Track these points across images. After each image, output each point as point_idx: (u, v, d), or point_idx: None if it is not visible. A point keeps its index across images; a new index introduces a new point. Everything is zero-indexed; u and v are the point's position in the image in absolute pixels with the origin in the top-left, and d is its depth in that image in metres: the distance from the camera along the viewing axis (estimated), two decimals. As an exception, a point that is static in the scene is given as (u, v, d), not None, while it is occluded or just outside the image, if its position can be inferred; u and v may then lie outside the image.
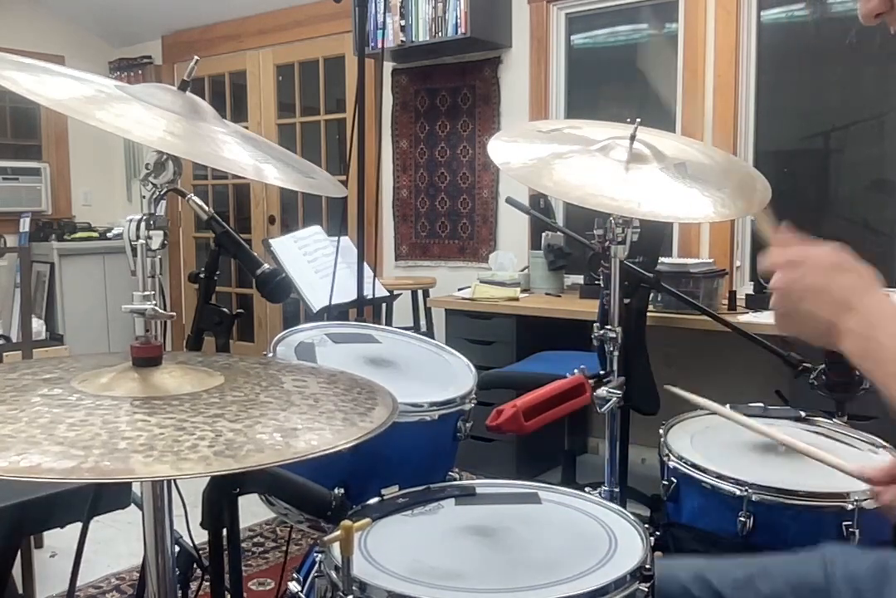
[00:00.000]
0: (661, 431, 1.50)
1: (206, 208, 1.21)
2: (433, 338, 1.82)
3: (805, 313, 0.86)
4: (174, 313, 0.97)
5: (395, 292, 3.15)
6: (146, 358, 0.90)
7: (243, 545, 2.73)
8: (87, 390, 0.84)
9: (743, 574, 1.07)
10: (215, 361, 1.01)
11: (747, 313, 2.96)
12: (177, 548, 1.24)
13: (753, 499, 1.27)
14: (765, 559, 1.10)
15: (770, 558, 1.10)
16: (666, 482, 1.41)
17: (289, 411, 0.84)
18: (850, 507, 1.25)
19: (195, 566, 1.33)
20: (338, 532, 0.90)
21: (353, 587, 0.94)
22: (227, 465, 0.69)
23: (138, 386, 0.86)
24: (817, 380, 1.60)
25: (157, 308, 0.93)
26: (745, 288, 3.28)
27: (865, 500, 1.25)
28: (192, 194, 1.21)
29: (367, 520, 0.97)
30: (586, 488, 1.35)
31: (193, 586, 1.39)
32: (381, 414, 0.86)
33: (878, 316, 0.82)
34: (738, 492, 1.28)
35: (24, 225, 5.29)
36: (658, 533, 1.28)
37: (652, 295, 2.92)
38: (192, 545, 1.32)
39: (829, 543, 1.10)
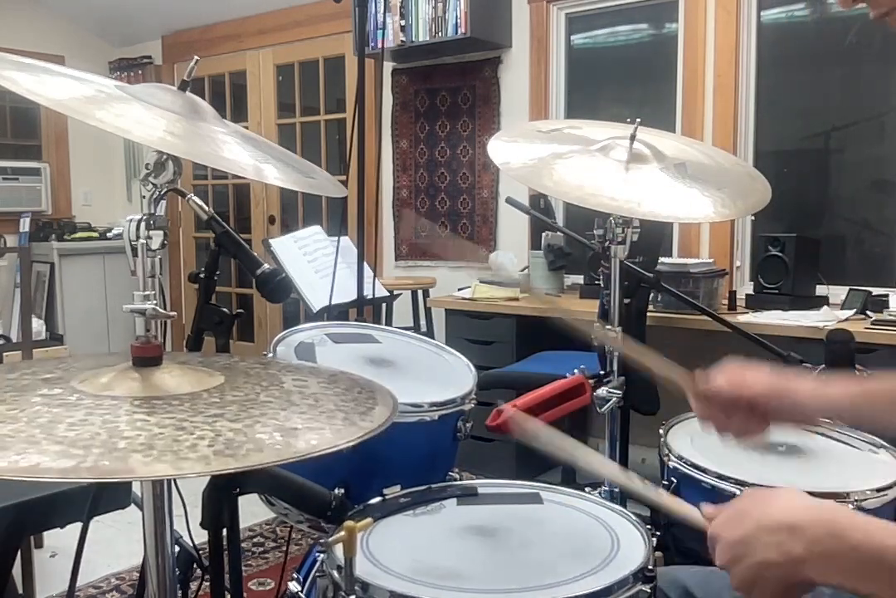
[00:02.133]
0: (661, 431, 1.50)
1: (206, 208, 1.21)
2: (433, 338, 1.83)
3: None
4: (174, 313, 0.97)
5: (395, 292, 3.15)
6: (146, 358, 0.90)
7: (243, 545, 2.73)
8: (86, 390, 0.84)
9: (730, 591, 1.05)
10: (216, 361, 1.01)
11: (747, 312, 2.96)
12: (177, 548, 1.24)
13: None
14: None
15: None
16: (666, 482, 1.41)
17: (289, 411, 0.84)
18: (850, 507, 1.25)
19: (195, 566, 1.33)
20: (341, 533, 0.90)
21: (356, 587, 0.94)
22: (226, 464, 0.69)
23: (138, 386, 0.86)
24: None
25: (157, 308, 0.93)
26: (745, 288, 3.28)
27: (866, 500, 1.25)
28: (192, 194, 1.21)
29: (370, 520, 0.97)
30: (586, 489, 1.35)
31: (193, 586, 1.39)
32: (381, 414, 0.86)
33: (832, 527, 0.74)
34: (738, 492, 1.28)
35: (24, 225, 5.29)
36: (658, 533, 1.28)
37: (652, 295, 2.92)
38: (192, 545, 1.32)
39: None
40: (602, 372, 1.62)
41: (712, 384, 1.12)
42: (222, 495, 1.08)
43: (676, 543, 1.37)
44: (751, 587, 0.77)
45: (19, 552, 2.02)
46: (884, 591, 0.71)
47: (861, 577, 0.72)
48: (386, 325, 2.54)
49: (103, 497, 1.69)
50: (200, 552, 1.28)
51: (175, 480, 1.08)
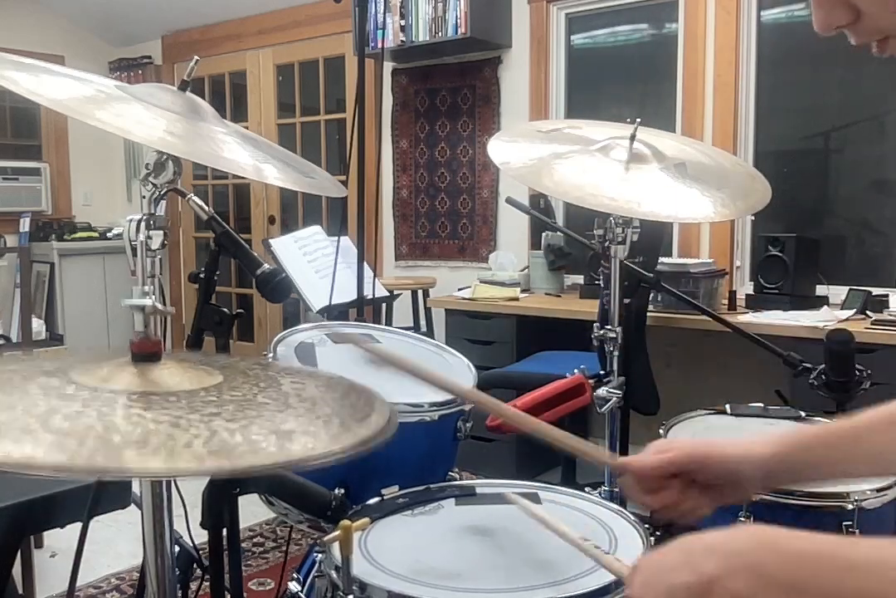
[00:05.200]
0: (661, 431, 1.50)
1: (206, 208, 1.21)
2: (433, 338, 1.83)
3: None
4: (173, 308, 0.97)
5: (395, 292, 3.15)
6: (145, 354, 0.90)
7: (243, 545, 2.73)
8: (84, 382, 0.84)
9: None
10: (215, 360, 1.01)
11: (747, 313, 2.96)
12: (177, 548, 1.24)
13: (753, 499, 1.27)
14: None
15: None
16: (666, 482, 1.41)
17: (285, 414, 0.84)
18: (850, 507, 1.25)
19: (195, 566, 1.33)
20: (337, 532, 0.90)
21: (354, 587, 0.94)
22: (220, 465, 0.69)
23: (136, 381, 0.85)
24: (817, 380, 1.60)
25: (156, 303, 0.93)
26: (745, 288, 3.28)
27: (866, 500, 1.25)
28: (192, 194, 1.21)
29: (366, 520, 0.97)
30: (586, 489, 1.35)
31: (193, 586, 1.39)
32: (379, 420, 0.86)
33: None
34: (737, 492, 1.28)
35: (24, 225, 5.29)
36: (658, 533, 1.28)
37: (652, 295, 2.92)
38: (192, 545, 1.32)
39: None
40: (602, 372, 1.62)
41: (635, 457, 0.95)
42: (222, 495, 1.08)
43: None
44: None
45: (19, 552, 2.02)
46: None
47: (803, 586, 0.61)
48: (386, 325, 2.54)
49: (103, 497, 1.69)
50: (200, 552, 1.28)
51: (175, 479, 1.08)
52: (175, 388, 0.85)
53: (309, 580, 1.30)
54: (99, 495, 1.62)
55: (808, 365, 1.64)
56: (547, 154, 1.50)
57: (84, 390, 0.81)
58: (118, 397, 0.81)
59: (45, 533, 2.56)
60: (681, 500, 0.92)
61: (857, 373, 1.57)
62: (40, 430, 0.70)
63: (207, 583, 1.13)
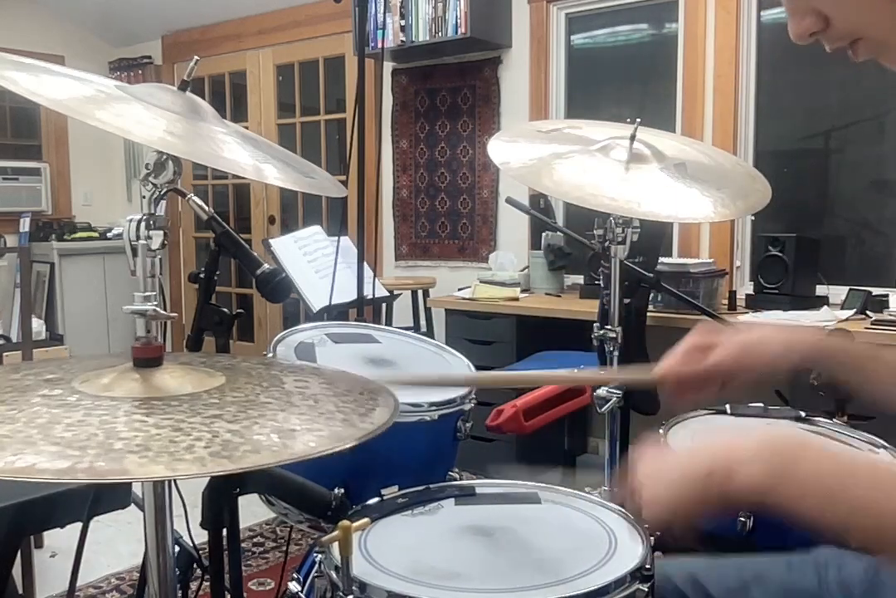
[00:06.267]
0: (661, 431, 1.50)
1: (206, 208, 1.21)
2: (433, 338, 1.83)
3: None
4: (175, 314, 0.97)
5: (395, 292, 3.15)
6: (147, 359, 0.90)
7: (243, 545, 2.73)
8: (86, 391, 0.84)
9: (737, 580, 1.06)
10: (217, 361, 1.01)
11: (747, 312, 2.96)
12: (177, 548, 1.24)
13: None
14: (760, 562, 1.09)
15: (765, 561, 1.09)
16: (666, 482, 1.40)
17: (288, 412, 0.84)
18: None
19: (195, 566, 1.33)
20: (336, 532, 0.90)
21: (353, 588, 0.94)
22: (222, 466, 0.69)
23: (138, 387, 0.85)
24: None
25: (158, 309, 0.93)
26: (745, 288, 3.28)
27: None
28: (192, 194, 1.21)
29: (366, 520, 0.97)
30: (586, 488, 1.35)
31: (193, 586, 1.39)
32: (381, 415, 0.86)
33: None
34: (738, 492, 1.28)
35: (24, 225, 5.29)
36: (658, 533, 1.28)
37: (652, 295, 2.92)
38: (192, 545, 1.32)
39: (823, 547, 1.09)
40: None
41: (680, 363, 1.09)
42: (222, 495, 1.08)
43: (677, 542, 1.37)
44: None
45: (19, 552, 2.02)
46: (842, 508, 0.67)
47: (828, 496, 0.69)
48: (386, 325, 2.54)
49: (103, 497, 1.69)
50: (200, 552, 1.28)
51: (175, 480, 1.08)
52: (177, 392, 0.85)
53: (309, 581, 1.30)
54: (99, 496, 1.62)
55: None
56: (547, 154, 1.50)
57: (86, 399, 0.81)
58: (120, 404, 0.81)
59: (45, 533, 2.56)
60: (716, 394, 1.04)
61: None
62: (41, 441, 0.70)
63: (207, 583, 1.13)
